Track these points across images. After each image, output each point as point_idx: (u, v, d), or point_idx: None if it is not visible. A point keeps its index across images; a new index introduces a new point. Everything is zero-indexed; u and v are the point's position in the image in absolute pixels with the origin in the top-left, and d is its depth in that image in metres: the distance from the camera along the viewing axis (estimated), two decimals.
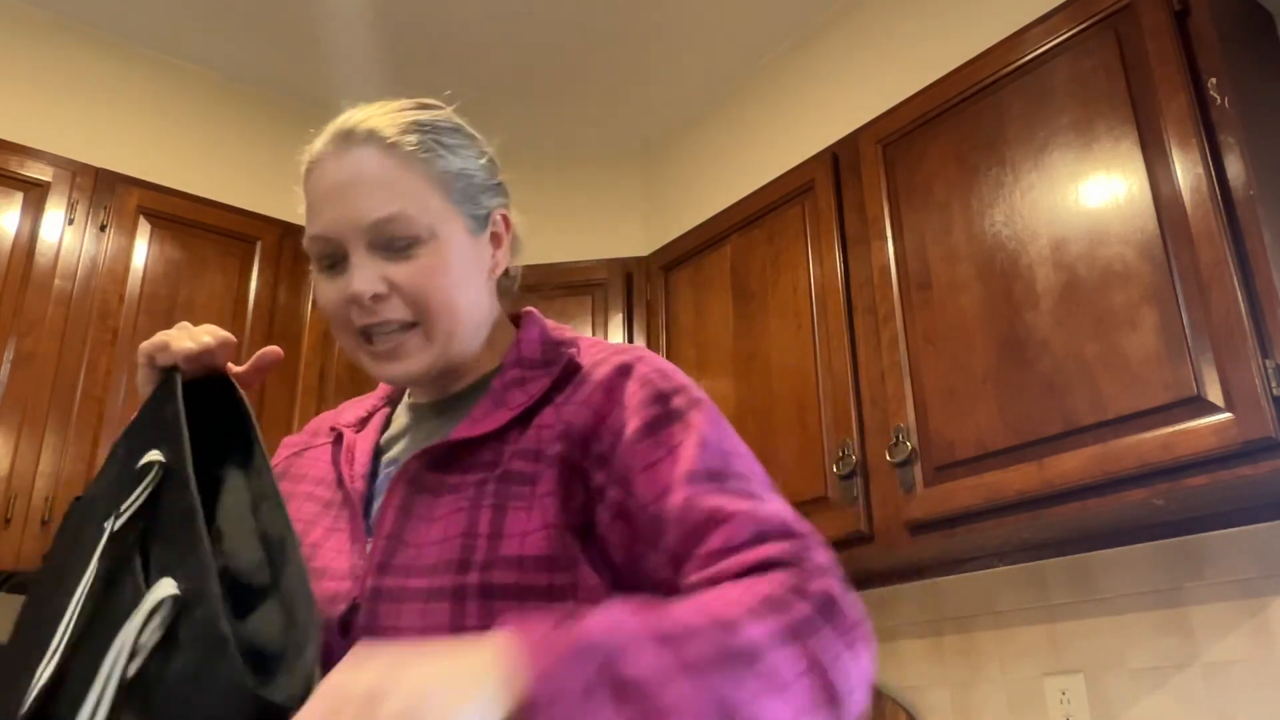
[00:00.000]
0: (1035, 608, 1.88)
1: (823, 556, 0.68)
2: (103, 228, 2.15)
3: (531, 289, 2.69)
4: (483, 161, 0.91)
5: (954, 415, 1.70)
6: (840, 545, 1.85)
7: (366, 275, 0.81)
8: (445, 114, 0.92)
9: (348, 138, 0.84)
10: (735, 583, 0.64)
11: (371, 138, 0.84)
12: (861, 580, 2.14)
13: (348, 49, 2.45)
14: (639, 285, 2.55)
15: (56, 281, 2.05)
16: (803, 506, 1.93)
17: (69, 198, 2.12)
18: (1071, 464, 1.51)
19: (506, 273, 0.96)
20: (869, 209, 1.97)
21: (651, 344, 2.46)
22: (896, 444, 1.77)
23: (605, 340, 0.90)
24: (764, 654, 0.58)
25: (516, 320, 0.96)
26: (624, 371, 0.82)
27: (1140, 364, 1.47)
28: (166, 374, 0.82)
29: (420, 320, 0.82)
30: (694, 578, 0.68)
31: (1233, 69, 1.51)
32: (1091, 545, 1.79)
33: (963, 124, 1.83)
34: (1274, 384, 1.33)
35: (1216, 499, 1.52)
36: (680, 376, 0.83)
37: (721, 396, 2.20)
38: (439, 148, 0.86)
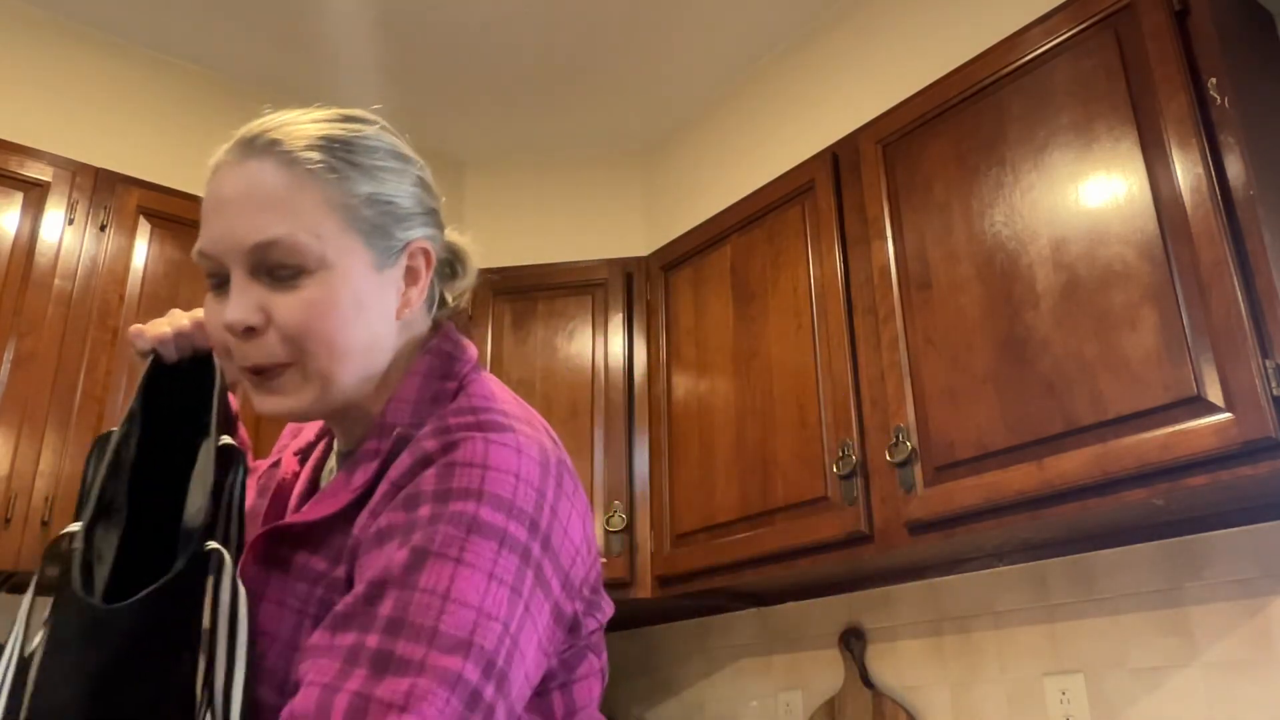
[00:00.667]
0: (1035, 608, 1.88)
1: None
2: (103, 228, 2.15)
3: (532, 289, 2.71)
4: (407, 187, 0.81)
5: (954, 415, 1.70)
6: (840, 545, 1.85)
7: (243, 304, 0.73)
8: (372, 131, 0.81)
9: (249, 145, 0.77)
10: None
11: (271, 148, 0.76)
12: (861, 580, 2.14)
13: (348, 49, 2.45)
14: (639, 285, 2.55)
15: (56, 281, 2.05)
16: (803, 506, 1.93)
17: (69, 198, 2.12)
18: (1071, 464, 1.51)
19: (444, 303, 0.87)
20: (869, 209, 1.97)
21: (651, 344, 2.47)
22: (896, 444, 1.77)
23: (503, 405, 0.77)
24: None
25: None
26: (425, 462, 0.70)
27: (1140, 364, 1.47)
28: (147, 361, 0.87)
29: (296, 359, 0.74)
30: None
31: (1233, 69, 1.51)
32: (1091, 545, 1.79)
33: (963, 124, 1.83)
34: (1274, 384, 1.33)
35: (1216, 499, 1.52)
36: (492, 483, 0.68)
37: (721, 396, 2.20)
38: (348, 168, 0.77)
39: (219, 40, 2.44)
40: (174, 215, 2.25)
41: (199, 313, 0.85)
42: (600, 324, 2.53)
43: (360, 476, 0.75)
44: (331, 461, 0.87)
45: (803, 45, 2.42)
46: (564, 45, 2.48)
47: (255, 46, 2.46)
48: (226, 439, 0.80)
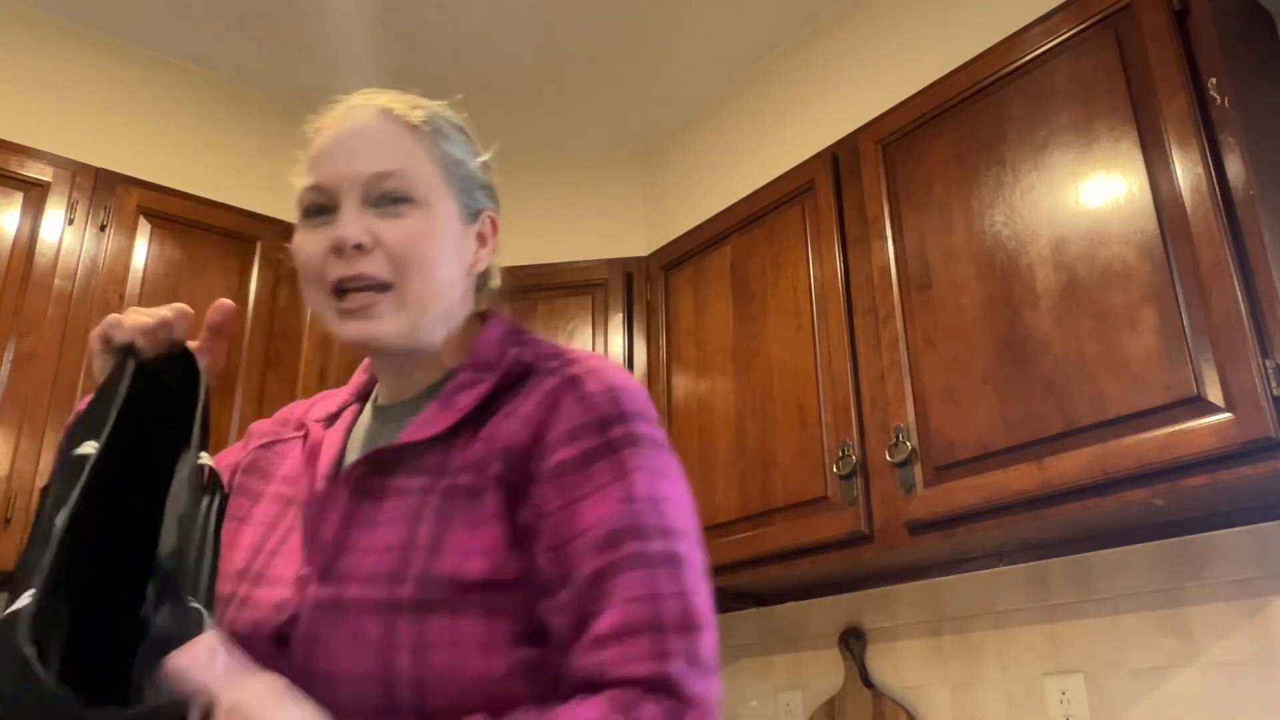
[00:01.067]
0: (1035, 608, 1.88)
1: (703, 683, 0.67)
2: (103, 228, 2.15)
3: (532, 289, 2.71)
4: (480, 162, 0.92)
5: (954, 415, 1.70)
6: (840, 545, 1.85)
7: (355, 224, 0.80)
8: (450, 112, 0.93)
9: (356, 108, 0.86)
10: (608, 703, 0.65)
11: (382, 110, 0.86)
12: (861, 580, 2.14)
13: (348, 49, 2.45)
14: (639, 285, 2.55)
15: (56, 281, 2.05)
16: (803, 507, 1.93)
17: (69, 198, 2.12)
18: (1071, 464, 1.51)
19: (484, 278, 0.94)
20: (869, 209, 1.97)
21: (651, 344, 2.46)
22: (896, 444, 1.77)
23: (575, 348, 0.86)
24: None
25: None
26: (570, 385, 0.78)
27: (1140, 364, 1.47)
28: (122, 355, 0.81)
29: (397, 282, 0.80)
30: (577, 663, 0.67)
31: (1233, 69, 1.51)
32: (1091, 545, 1.79)
33: (963, 124, 1.83)
34: (1274, 384, 1.33)
35: (1216, 499, 1.52)
36: (631, 400, 0.78)
37: (721, 396, 2.20)
38: (444, 133, 0.88)
39: (219, 40, 2.44)
40: (174, 215, 2.25)
41: (172, 305, 0.81)
42: (600, 324, 2.53)
43: (466, 399, 0.81)
44: (365, 418, 0.90)
45: (803, 45, 2.42)
46: (564, 45, 2.48)
47: (255, 46, 2.46)
48: (205, 457, 0.75)
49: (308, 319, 2.37)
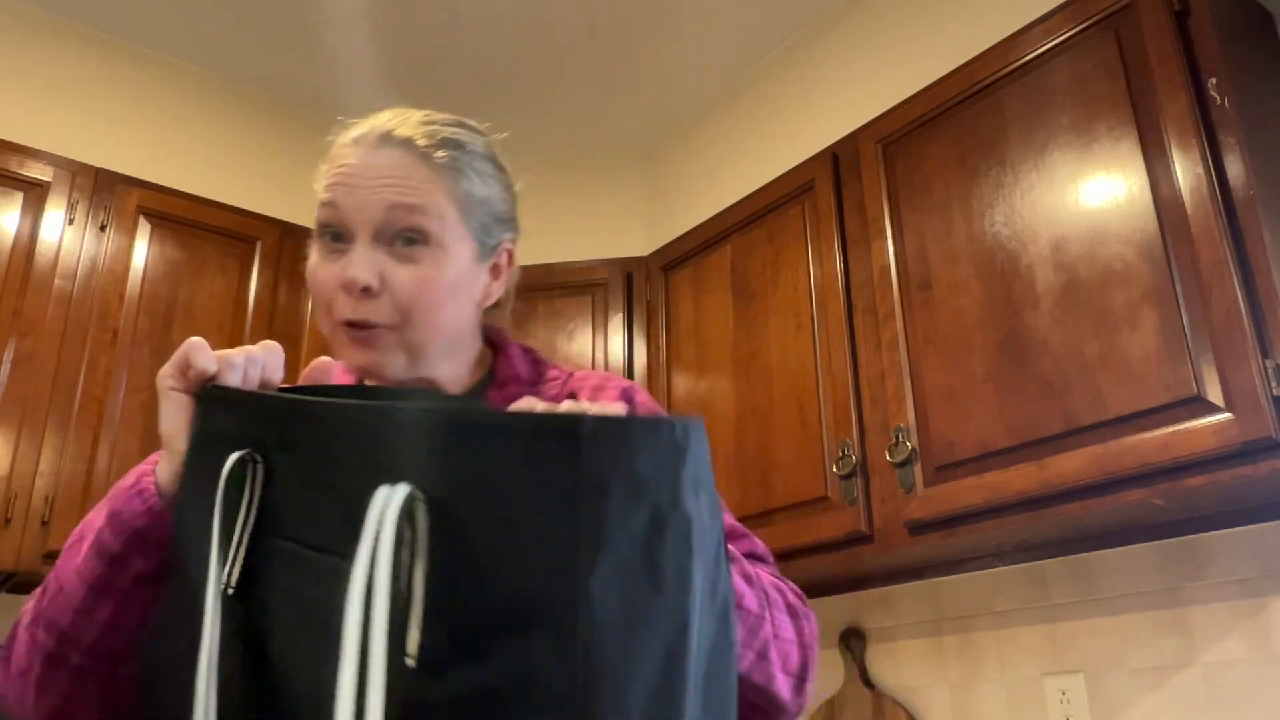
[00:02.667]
0: (1035, 608, 1.88)
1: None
2: (103, 228, 2.15)
3: (532, 289, 2.70)
4: (504, 193, 0.93)
5: (954, 415, 1.70)
6: (840, 545, 1.85)
7: (366, 266, 0.81)
8: (483, 141, 0.93)
9: (384, 139, 0.85)
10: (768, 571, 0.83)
11: (406, 144, 0.85)
12: (861, 580, 2.14)
13: (348, 49, 2.45)
14: (639, 285, 2.55)
15: (56, 281, 2.05)
16: (803, 506, 1.93)
17: (69, 198, 2.12)
18: (1071, 464, 1.51)
19: (497, 303, 0.97)
20: (869, 209, 1.97)
21: (651, 344, 2.46)
22: (896, 444, 1.77)
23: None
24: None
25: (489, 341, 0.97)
26: (628, 395, 0.87)
27: (1140, 364, 1.47)
28: (206, 405, 0.67)
29: (400, 325, 0.82)
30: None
31: (1233, 69, 1.51)
32: (1091, 545, 1.79)
33: (962, 124, 1.83)
34: (1274, 384, 1.33)
35: (1216, 499, 1.52)
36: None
37: (721, 396, 2.20)
38: (468, 170, 0.87)
39: (219, 40, 2.44)
40: (174, 215, 2.25)
41: (262, 345, 0.73)
42: (600, 324, 2.53)
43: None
44: None
45: (802, 45, 2.42)
46: (564, 46, 2.48)
47: (255, 46, 2.46)
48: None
49: (307, 319, 2.37)
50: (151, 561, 0.68)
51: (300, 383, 0.75)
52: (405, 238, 0.82)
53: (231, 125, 2.55)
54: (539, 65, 2.55)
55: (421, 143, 0.86)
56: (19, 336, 1.98)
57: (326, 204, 0.84)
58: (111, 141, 2.32)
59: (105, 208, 2.16)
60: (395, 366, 0.84)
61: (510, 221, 0.94)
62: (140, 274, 2.17)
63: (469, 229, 0.87)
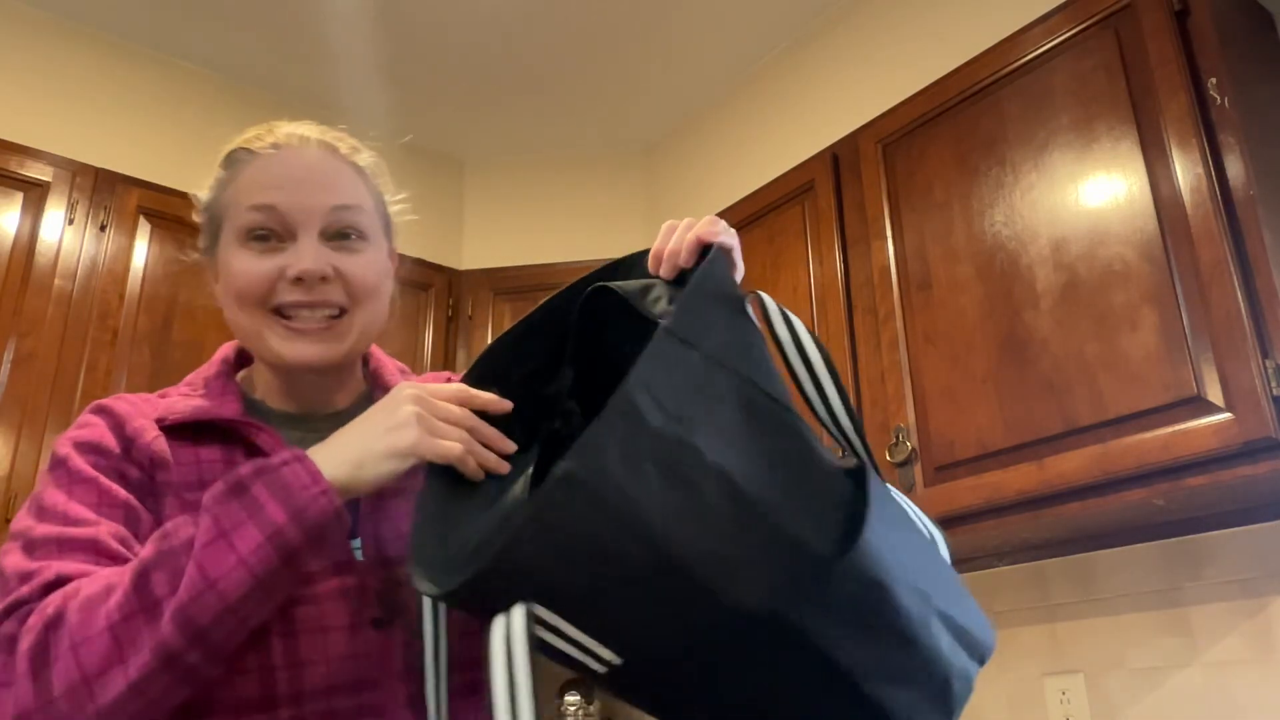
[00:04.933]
0: (1035, 608, 1.88)
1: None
2: (103, 228, 2.15)
3: (532, 289, 2.71)
4: (393, 202, 0.97)
5: (954, 415, 1.70)
6: None
7: (320, 257, 0.84)
8: (377, 156, 0.97)
9: (304, 140, 0.89)
10: None
11: (331, 149, 0.90)
12: None
13: (347, 49, 2.45)
14: None
15: (56, 281, 2.05)
16: None
17: (69, 198, 2.12)
18: (1071, 464, 1.51)
19: None
20: (869, 209, 1.97)
21: None
22: (896, 444, 1.77)
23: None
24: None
25: None
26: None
27: (1140, 364, 1.47)
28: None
29: (350, 309, 0.86)
30: None
31: (1233, 69, 1.51)
32: (1091, 545, 1.79)
33: (962, 124, 1.83)
34: (1274, 384, 1.33)
35: (1216, 499, 1.52)
36: None
37: None
38: (378, 176, 0.94)
39: (219, 40, 2.44)
40: (174, 215, 2.25)
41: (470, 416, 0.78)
42: None
43: None
44: (290, 428, 0.89)
45: (803, 45, 2.42)
46: (564, 45, 2.48)
47: (255, 46, 2.46)
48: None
49: None
50: (318, 562, 0.75)
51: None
52: (345, 234, 0.86)
53: (231, 125, 2.54)
54: (539, 65, 2.55)
55: (343, 148, 0.91)
56: (19, 336, 1.98)
57: (263, 207, 0.84)
58: (111, 141, 2.32)
59: (105, 208, 2.16)
60: (340, 355, 0.86)
61: (395, 229, 0.98)
62: (140, 274, 2.17)
63: (383, 228, 0.92)
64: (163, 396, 0.89)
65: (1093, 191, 1.59)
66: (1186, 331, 1.43)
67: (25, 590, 0.72)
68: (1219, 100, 1.48)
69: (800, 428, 0.67)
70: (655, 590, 0.61)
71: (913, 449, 1.74)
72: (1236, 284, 1.39)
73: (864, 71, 2.21)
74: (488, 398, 0.79)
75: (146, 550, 0.70)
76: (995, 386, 1.65)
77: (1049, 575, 1.87)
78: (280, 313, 0.84)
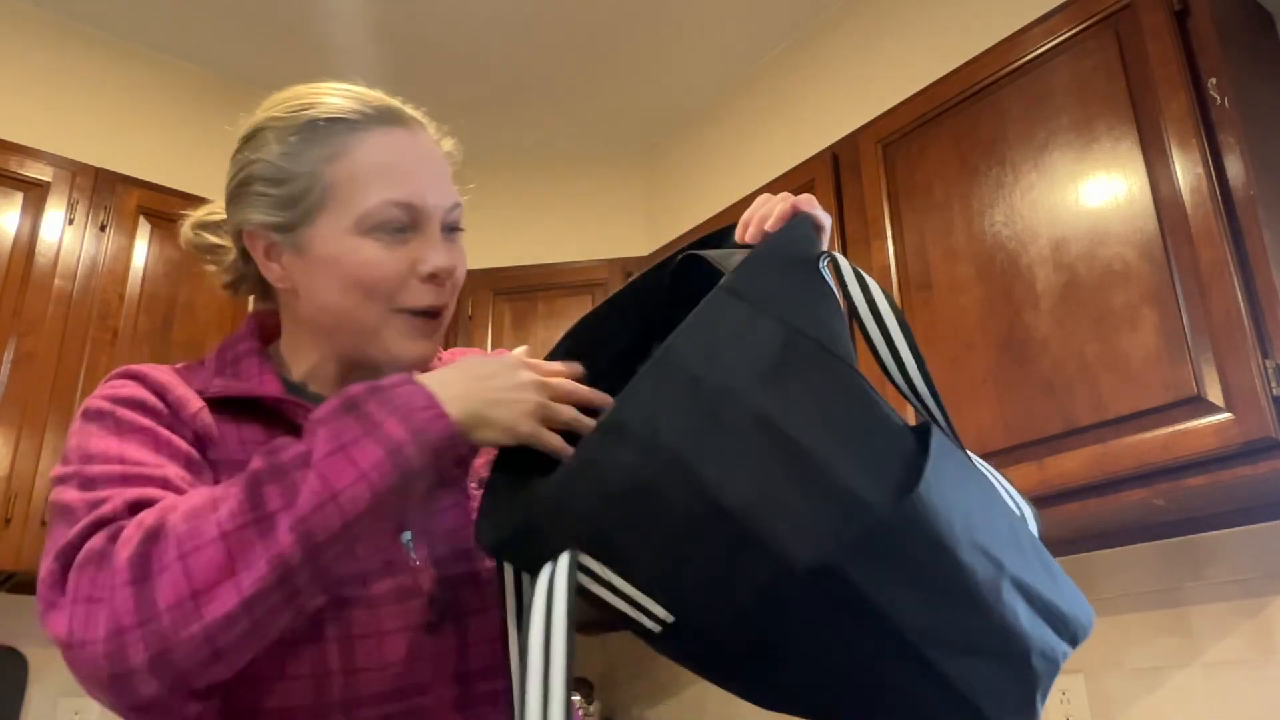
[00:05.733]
0: None
1: None
2: (103, 228, 2.15)
3: (532, 289, 2.70)
4: None
5: (954, 415, 1.70)
6: None
7: (453, 253, 0.82)
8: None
9: (411, 119, 0.85)
10: None
11: (425, 127, 0.87)
12: None
13: (348, 50, 2.45)
14: None
15: (56, 281, 2.05)
16: None
17: (69, 198, 2.12)
18: (1071, 464, 1.51)
19: None
20: (869, 209, 1.97)
21: None
22: None
23: None
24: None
25: None
26: None
27: (1140, 364, 1.47)
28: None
29: (449, 305, 0.84)
30: None
31: (1233, 69, 1.51)
32: (1091, 545, 1.79)
33: (962, 124, 1.83)
34: (1274, 384, 1.33)
35: (1216, 499, 1.52)
36: None
37: None
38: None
39: (219, 40, 2.44)
40: (174, 215, 2.24)
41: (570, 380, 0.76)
42: None
43: None
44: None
45: (803, 45, 2.42)
46: (564, 45, 2.48)
47: (255, 47, 2.46)
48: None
49: None
50: (430, 485, 0.68)
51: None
52: (456, 227, 0.84)
53: (232, 125, 2.54)
54: (539, 65, 2.55)
55: (433, 131, 0.87)
56: (19, 336, 1.98)
57: (396, 203, 0.79)
58: (111, 141, 2.32)
59: (105, 208, 2.16)
60: (434, 352, 0.84)
61: None
62: (140, 274, 2.17)
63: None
64: (183, 370, 0.83)
65: (1093, 191, 1.59)
66: (1186, 331, 1.43)
67: (108, 509, 0.65)
68: (1219, 100, 1.48)
69: (860, 382, 0.66)
70: (707, 543, 0.60)
71: None
72: (1236, 284, 1.39)
73: (864, 71, 2.21)
74: (597, 397, 0.75)
75: (254, 464, 0.65)
76: (995, 386, 1.65)
77: None
78: (403, 311, 0.80)
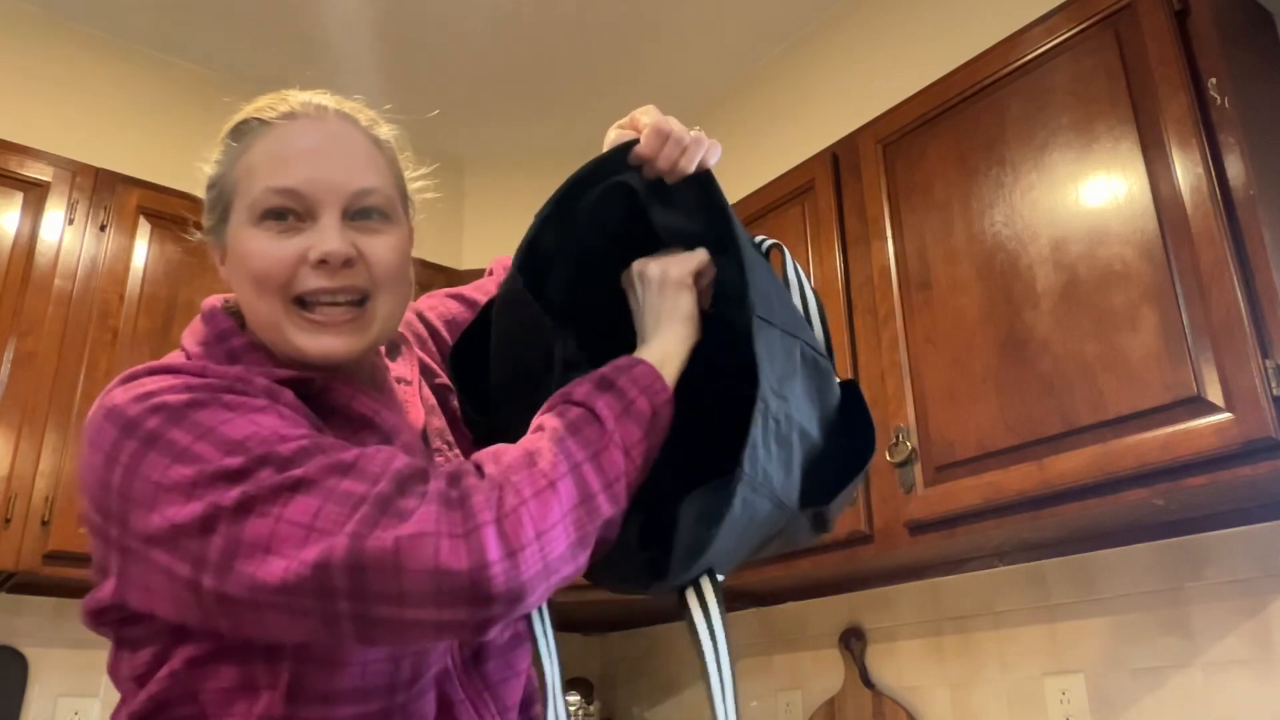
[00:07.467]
0: (1035, 608, 1.88)
1: None
2: (103, 228, 2.15)
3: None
4: (416, 185, 0.92)
5: (954, 415, 1.70)
6: (840, 545, 1.85)
7: (343, 239, 0.78)
8: (389, 124, 0.93)
9: (321, 110, 0.84)
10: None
11: (347, 118, 0.85)
12: (862, 580, 2.14)
13: (347, 50, 2.45)
14: None
15: (56, 281, 2.05)
16: None
17: (69, 198, 2.12)
18: (1071, 464, 1.51)
19: None
20: (869, 209, 1.97)
21: None
22: (896, 444, 1.77)
23: None
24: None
25: None
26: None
27: (1140, 364, 1.47)
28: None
29: (372, 295, 0.80)
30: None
31: (1233, 69, 1.51)
32: (1091, 545, 1.79)
33: (963, 124, 1.83)
34: (1274, 384, 1.33)
35: (1216, 499, 1.52)
36: None
37: None
38: (396, 150, 0.89)
39: (219, 40, 2.44)
40: (174, 215, 2.25)
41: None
42: None
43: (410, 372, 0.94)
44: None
45: (803, 45, 2.42)
46: (564, 46, 2.48)
47: (255, 47, 2.46)
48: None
49: None
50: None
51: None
52: (367, 213, 0.81)
53: None
54: (539, 65, 2.55)
55: (362, 120, 0.86)
56: (19, 336, 1.98)
57: (279, 189, 0.78)
58: (111, 141, 2.32)
59: (105, 208, 2.16)
60: (361, 349, 0.80)
61: (413, 205, 0.92)
62: (140, 274, 2.16)
63: (403, 208, 0.87)
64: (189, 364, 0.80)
65: (1093, 191, 1.59)
66: (1186, 331, 1.43)
67: (399, 465, 0.67)
68: (1219, 100, 1.48)
69: (828, 367, 0.86)
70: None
71: (913, 449, 1.74)
72: (1236, 284, 1.39)
73: (864, 71, 2.21)
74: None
75: (553, 424, 0.72)
76: (995, 386, 1.65)
77: (1049, 575, 1.87)
78: (300, 302, 0.78)
